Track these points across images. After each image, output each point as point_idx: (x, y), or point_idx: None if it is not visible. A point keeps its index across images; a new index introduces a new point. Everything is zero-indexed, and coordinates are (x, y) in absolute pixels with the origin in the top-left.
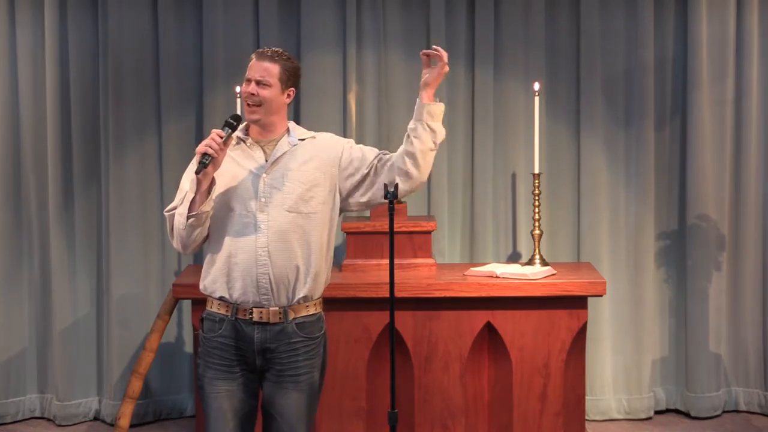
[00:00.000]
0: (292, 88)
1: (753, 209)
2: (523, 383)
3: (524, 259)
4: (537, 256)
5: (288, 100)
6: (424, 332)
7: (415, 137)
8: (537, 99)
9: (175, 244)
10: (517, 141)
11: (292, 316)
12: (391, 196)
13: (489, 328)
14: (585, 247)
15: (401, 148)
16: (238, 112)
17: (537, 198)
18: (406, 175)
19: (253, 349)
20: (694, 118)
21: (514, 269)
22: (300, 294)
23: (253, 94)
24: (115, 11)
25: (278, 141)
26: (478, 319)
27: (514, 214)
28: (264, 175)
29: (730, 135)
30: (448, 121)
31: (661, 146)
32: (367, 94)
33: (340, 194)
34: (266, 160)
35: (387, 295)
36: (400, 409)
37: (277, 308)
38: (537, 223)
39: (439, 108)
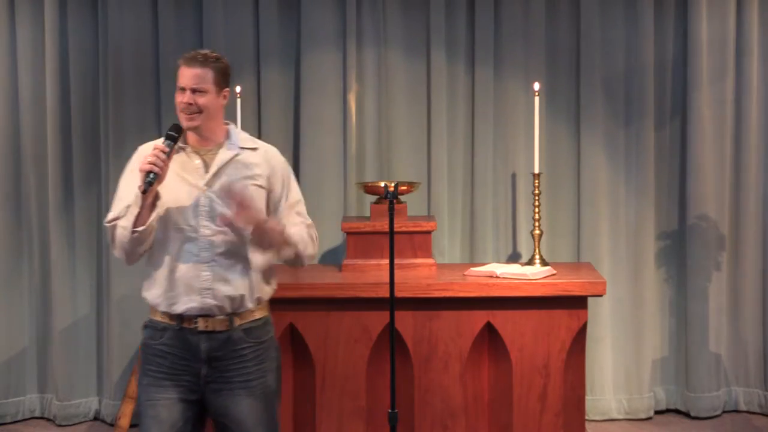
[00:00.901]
0: (227, 89)
1: (753, 209)
2: (523, 383)
3: (524, 259)
4: (537, 256)
5: (224, 102)
6: (424, 332)
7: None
8: (537, 99)
9: (118, 254)
10: (517, 141)
11: (238, 322)
12: (391, 196)
13: (489, 328)
14: (585, 247)
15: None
16: (238, 113)
17: (537, 198)
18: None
19: (199, 358)
20: (694, 117)
21: (514, 269)
22: (246, 305)
23: (190, 104)
24: (115, 11)
25: (218, 149)
26: (478, 319)
27: (514, 214)
28: (205, 187)
29: (730, 135)
30: (449, 121)
31: (661, 146)
32: (367, 94)
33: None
34: (207, 172)
35: (387, 295)
36: (400, 409)
37: (223, 317)
38: (537, 223)
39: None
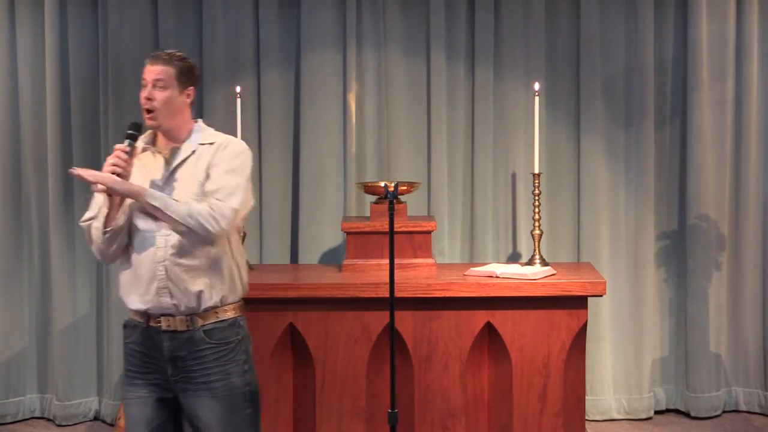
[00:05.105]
0: (192, 87)
1: (753, 209)
2: (523, 383)
3: (524, 259)
4: (537, 256)
5: (189, 101)
6: (424, 332)
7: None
8: (537, 99)
9: (96, 253)
10: (517, 141)
11: (200, 323)
12: (391, 196)
13: (489, 328)
14: (585, 247)
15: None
16: (238, 112)
17: (537, 198)
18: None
19: (163, 357)
20: (694, 118)
21: (514, 269)
22: (208, 303)
23: (149, 99)
24: (115, 11)
25: (180, 148)
26: (478, 319)
27: (514, 214)
28: (163, 185)
29: (730, 135)
30: (449, 121)
31: (661, 146)
32: (367, 94)
33: None
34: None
35: (387, 295)
36: (400, 409)
37: (184, 317)
38: (537, 223)
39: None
